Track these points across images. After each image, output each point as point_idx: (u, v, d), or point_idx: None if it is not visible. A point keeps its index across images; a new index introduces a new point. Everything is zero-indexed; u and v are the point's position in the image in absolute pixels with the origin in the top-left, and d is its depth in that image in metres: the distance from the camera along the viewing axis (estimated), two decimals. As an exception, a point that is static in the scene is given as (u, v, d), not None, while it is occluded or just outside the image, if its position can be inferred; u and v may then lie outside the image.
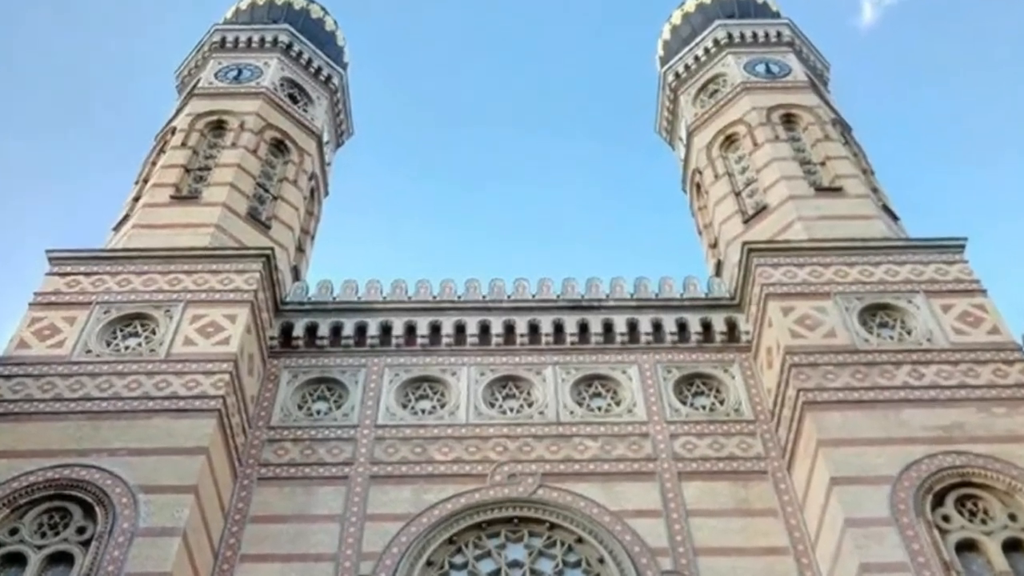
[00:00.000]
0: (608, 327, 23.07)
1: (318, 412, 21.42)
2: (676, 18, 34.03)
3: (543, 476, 19.59)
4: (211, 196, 25.05)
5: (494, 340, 22.89)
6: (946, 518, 16.98)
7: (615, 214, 64.73)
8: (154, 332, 20.68)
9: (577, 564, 18.39)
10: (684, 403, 21.43)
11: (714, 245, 26.88)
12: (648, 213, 61.84)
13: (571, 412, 21.16)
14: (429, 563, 18.22)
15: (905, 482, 17.22)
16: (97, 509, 16.86)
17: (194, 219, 24.17)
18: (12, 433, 18.23)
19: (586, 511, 18.87)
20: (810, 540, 18.16)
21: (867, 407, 18.78)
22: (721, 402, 21.53)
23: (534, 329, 23.06)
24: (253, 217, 25.13)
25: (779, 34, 32.07)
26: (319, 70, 31.83)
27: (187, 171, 26.02)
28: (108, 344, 20.45)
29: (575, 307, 23.48)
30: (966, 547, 16.62)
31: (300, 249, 27.26)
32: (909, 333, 20.64)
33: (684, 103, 31.30)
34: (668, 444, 20.29)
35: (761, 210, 25.23)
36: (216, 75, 30.15)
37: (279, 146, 28.22)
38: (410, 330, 23.05)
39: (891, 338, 20.57)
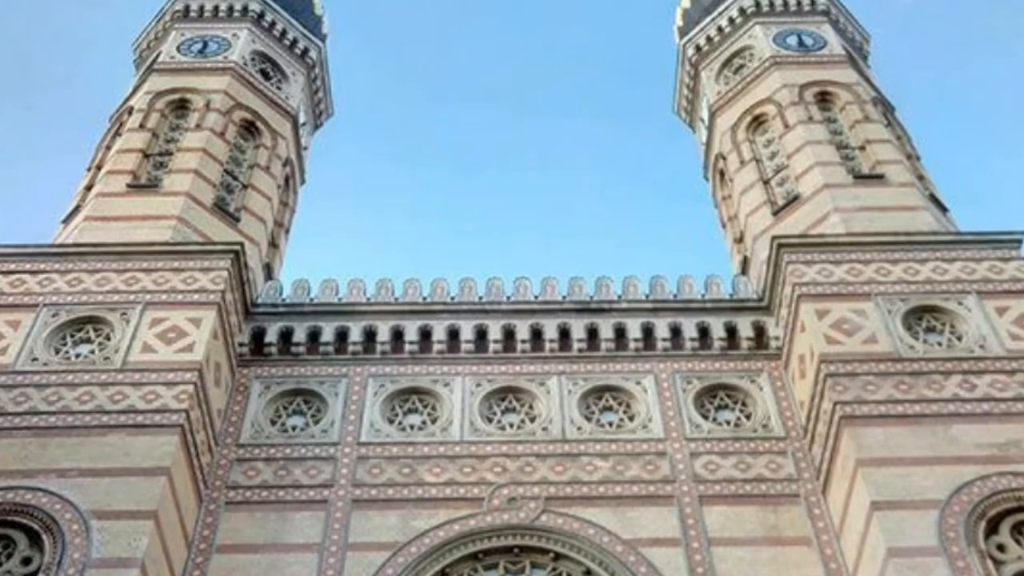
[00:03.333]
0: (620, 332, 23.14)
1: (293, 428, 21.47)
2: (696, -17, 34.11)
3: (547, 500, 19.65)
4: (173, 184, 25.12)
5: (492, 347, 22.96)
6: (1001, 547, 17.00)
7: (628, 205, 64.94)
8: (109, 338, 20.73)
9: (585, 599, 18.53)
10: (706, 418, 21.49)
11: (740, 240, 26.96)
12: (665, 204, 62.04)
13: (578, 428, 21.21)
14: (419, 598, 18.32)
15: (955, 507, 17.26)
16: (44, 537, 16.85)
17: (154, 210, 24.26)
18: (-53, 452, 18.24)
19: (595, 539, 18.91)
20: (848, 572, 18.19)
21: (912, 422, 18.82)
22: (748, 417, 21.58)
23: (537, 335, 23.13)
24: (220, 208, 25.19)
25: (813, 2, 32.12)
26: (295, 42, 31.88)
27: (146, 156, 26.10)
28: (57, 351, 20.49)
29: (583, 310, 23.55)
30: (1023, 580, 16.66)
31: (273, 244, 27.33)
32: (959, 339, 20.68)
33: (706, 79, 31.36)
34: (688, 464, 20.33)
35: (793, 200, 25.31)
36: (178, 48, 30.19)
37: (250, 128, 28.28)
38: (397, 336, 23.11)
39: (939, 344, 20.62)
